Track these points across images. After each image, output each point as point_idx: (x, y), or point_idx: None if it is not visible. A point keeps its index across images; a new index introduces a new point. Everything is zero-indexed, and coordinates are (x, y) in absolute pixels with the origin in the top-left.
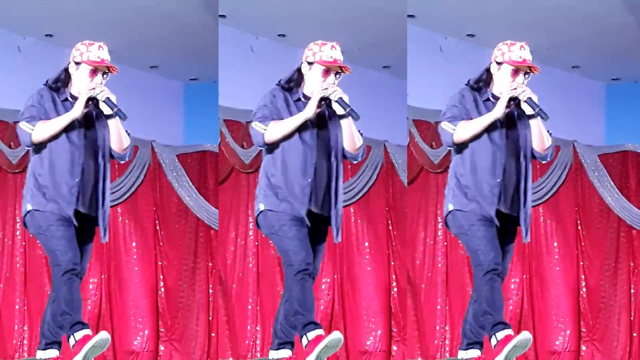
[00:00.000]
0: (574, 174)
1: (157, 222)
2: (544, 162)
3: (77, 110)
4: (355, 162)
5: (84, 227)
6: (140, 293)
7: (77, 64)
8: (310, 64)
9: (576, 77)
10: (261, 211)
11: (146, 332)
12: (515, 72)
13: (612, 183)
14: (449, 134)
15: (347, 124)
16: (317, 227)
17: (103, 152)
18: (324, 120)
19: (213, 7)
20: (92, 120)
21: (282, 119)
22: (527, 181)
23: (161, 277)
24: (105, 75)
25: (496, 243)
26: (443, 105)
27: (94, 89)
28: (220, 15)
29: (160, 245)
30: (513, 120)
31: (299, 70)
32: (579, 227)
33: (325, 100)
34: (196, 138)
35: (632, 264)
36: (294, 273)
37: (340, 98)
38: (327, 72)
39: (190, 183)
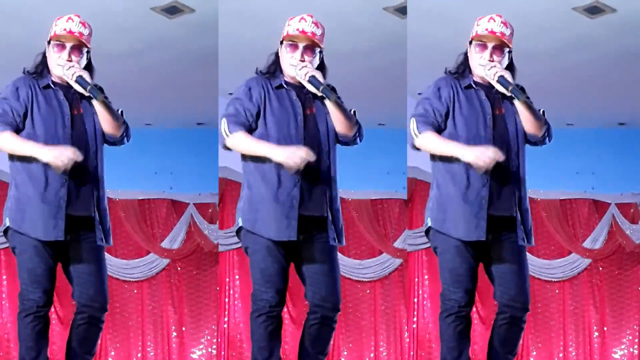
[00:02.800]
0: None
1: None
2: (541, 145)
3: (45, 156)
4: (353, 145)
5: (88, 234)
6: None
7: (49, 43)
8: (281, 43)
9: None
10: (240, 227)
11: None
12: (483, 46)
13: None
14: (412, 136)
15: (331, 104)
16: (316, 234)
17: (95, 138)
18: (310, 102)
19: None
20: (78, 102)
21: (259, 111)
22: (523, 171)
23: None
24: (75, 52)
25: (469, 279)
26: None
27: (61, 66)
28: None
29: None
30: (499, 103)
31: (276, 53)
32: None
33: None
34: None
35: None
36: (256, 314)
37: (313, 76)
38: (294, 47)
39: None
